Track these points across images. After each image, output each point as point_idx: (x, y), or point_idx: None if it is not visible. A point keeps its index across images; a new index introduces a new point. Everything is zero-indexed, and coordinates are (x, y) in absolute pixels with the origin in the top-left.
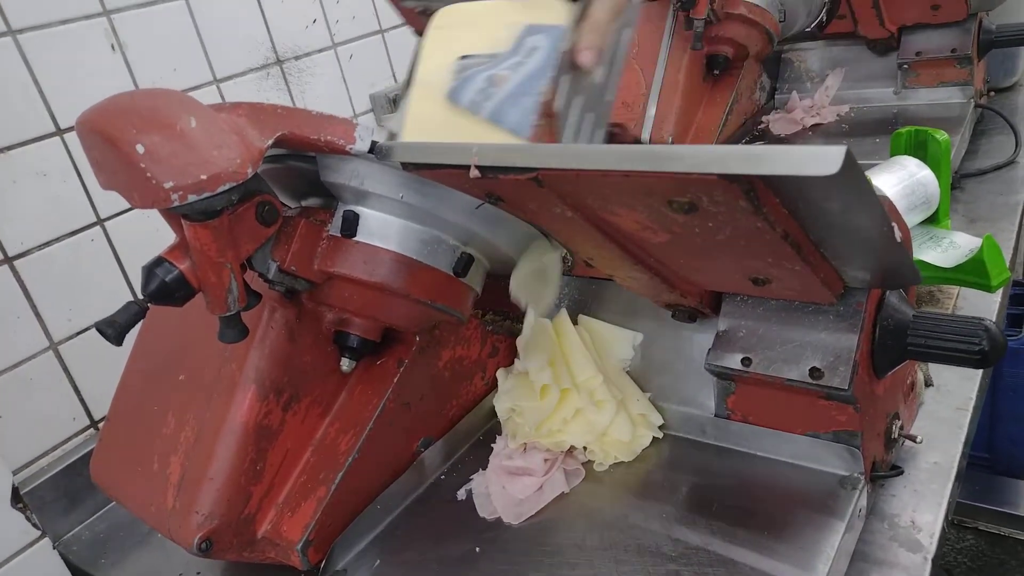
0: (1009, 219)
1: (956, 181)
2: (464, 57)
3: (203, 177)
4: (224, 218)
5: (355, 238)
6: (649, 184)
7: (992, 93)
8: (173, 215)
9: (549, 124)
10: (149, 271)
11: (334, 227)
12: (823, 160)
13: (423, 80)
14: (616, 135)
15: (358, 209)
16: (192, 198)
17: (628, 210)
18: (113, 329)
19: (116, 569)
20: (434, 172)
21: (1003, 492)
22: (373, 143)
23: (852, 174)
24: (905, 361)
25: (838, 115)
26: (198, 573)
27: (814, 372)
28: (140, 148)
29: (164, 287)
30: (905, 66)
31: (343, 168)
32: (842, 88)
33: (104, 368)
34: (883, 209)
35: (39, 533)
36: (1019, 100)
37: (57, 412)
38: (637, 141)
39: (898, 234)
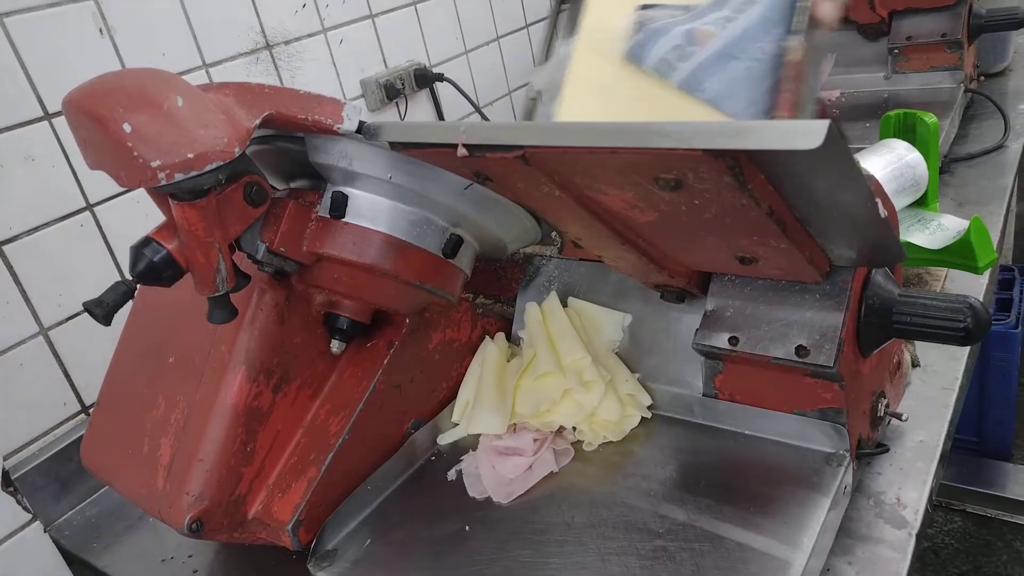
0: (997, 202)
1: (946, 165)
2: (646, 6)
3: (190, 156)
4: (212, 198)
5: (344, 219)
6: (636, 161)
7: (982, 78)
8: (160, 194)
9: (796, 90)
10: (137, 251)
11: (323, 208)
12: (806, 133)
13: (592, 29)
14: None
15: (347, 190)
16: (179, 177)
17: (615, 188)
18: (101, 309)
19: (108, 553)
20: (422, 152)
21: (991, 474)
22: (361, 123)
23: (835, 148)
24: (891, 339)
25: (829, 100)
26: (190, 555)
27: (800, 350)
28: (127, 127)
29: (152, 267)
30: (896, 51)
31: (331, 149)
32: (833, 73)
33: (95, 353)
34: (867, 184)
35: (30, 516)
36: (1009, 85)
37: (48, 397)
38: None
39: (882, 210)
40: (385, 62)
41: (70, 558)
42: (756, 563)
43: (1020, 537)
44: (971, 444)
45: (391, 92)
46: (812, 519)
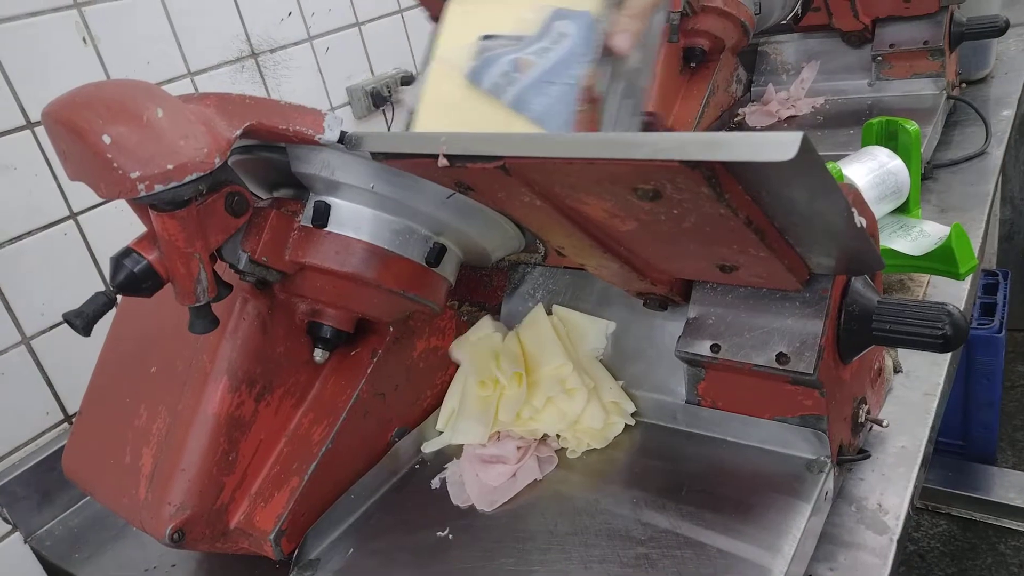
0: (979, 208)
1: (928, 171)
2: (486, 37)
3: (170, 167)
4: (192, 208)
5: (327, 228)
6: (614, 171)
7: (964, 85)
8: (141, 205)
9: (592, 110)
10: (117, 262)
11: (305, 217)
12: (780, 146)
13: (443, 57)
14: (651, 124)
15: (329, 200)
16: (159, 188)
17: (595, 198)
18: (81, 319)
19: (90, 564)
20: (404, 161)
21: (976, 478)
22: (342, 133)
23: (809, 160)
24: (870, 346)
25: (813, 107)
26: (173, 565)
27: (780, 357)
28: (107, 138)
29: (132, 278)
30: (879, 58)
31: (313, 159)
32: (817, 80)
33: (78, 362)
34: (842, 194)
35: (10, 527)
36: (991, 92)
37: (30, 407)
38: (669, 130)
39: (858, 220)
40: (372, 69)
41: (51, 569)
42: (737, 570)
43: (1004, 540)
44: (956, 448)
45: (378, 99)
46: (793, 525)
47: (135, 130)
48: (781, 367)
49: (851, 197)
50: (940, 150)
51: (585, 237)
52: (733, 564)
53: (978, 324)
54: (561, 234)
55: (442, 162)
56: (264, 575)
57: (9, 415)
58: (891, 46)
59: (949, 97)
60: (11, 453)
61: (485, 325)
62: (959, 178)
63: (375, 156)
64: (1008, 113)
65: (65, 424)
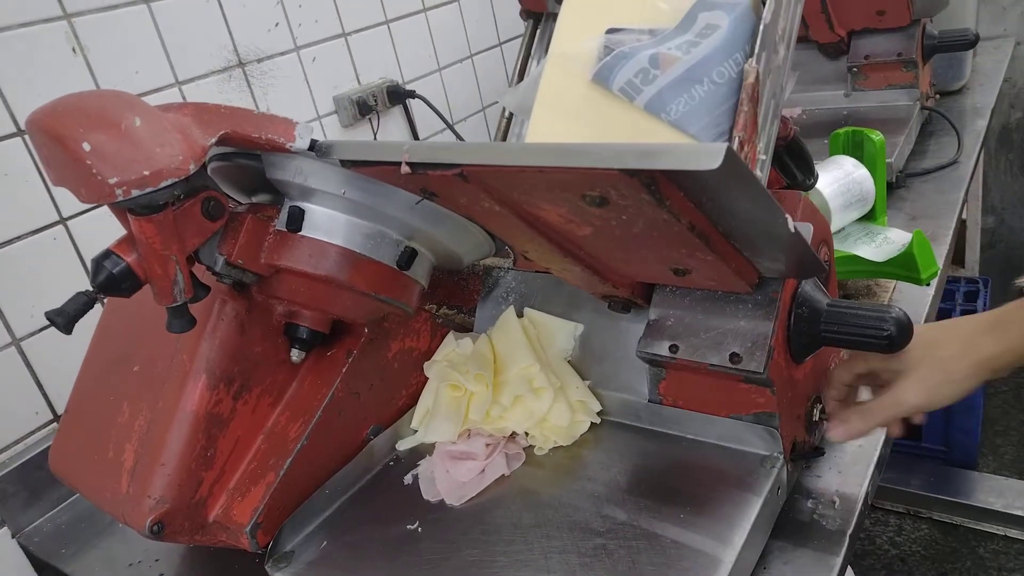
0: (948, 216)
1: (901, 180)
2: (613, 30)
3: (146, 173)
4: (168, 212)
5: (300, 232)
6: (562, 179)
7: (938, 96)
8: (120, 210)
9: (754, 111)
10: (97, 263)
11: (280, 222)
12: (706, 156)
13: (561, 52)
14: (779, 127)
15: (304, 205)
16: (135, 193)
17: (549, 204)
18: (62, 318)
19: (76, 559)
20: (371, 169)
21: (957, 483)
22: (313, 141)
23: (735, 169)
24: (821, 347)
25: (791, 117)
26: (156, 559)
27: (734, 357)
28: (86, 146)
29: (111, 278)
30: (854, 69)
31: (287, 166)
32: (795, 91)
33: (67, 363)
34: (773, 201)
35: None
36: (966, 102)
37: (20, 407)
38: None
39: (792, 225)
40: (358, 79)
41: (39, 565)
42: (689, 559)
43: (984, 544)
44: (939, 453)
45: (364, 109)
46: (744, 518)
47: (113, 138)
48: (734, 366)
49: (799, 204)
50: (914, 159)
51: (546, 242)
52: (685, 554)
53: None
54: (523, 239)
55: (404, 169)
56: (243, 568)
57: (0, 415)
58: (866, 57)
59: (923, 108)
60: (1, 452)
61: (448, 343)
62: (931, 187)
63: (344, 163)
64: (983, 123)
65: (54, 424)
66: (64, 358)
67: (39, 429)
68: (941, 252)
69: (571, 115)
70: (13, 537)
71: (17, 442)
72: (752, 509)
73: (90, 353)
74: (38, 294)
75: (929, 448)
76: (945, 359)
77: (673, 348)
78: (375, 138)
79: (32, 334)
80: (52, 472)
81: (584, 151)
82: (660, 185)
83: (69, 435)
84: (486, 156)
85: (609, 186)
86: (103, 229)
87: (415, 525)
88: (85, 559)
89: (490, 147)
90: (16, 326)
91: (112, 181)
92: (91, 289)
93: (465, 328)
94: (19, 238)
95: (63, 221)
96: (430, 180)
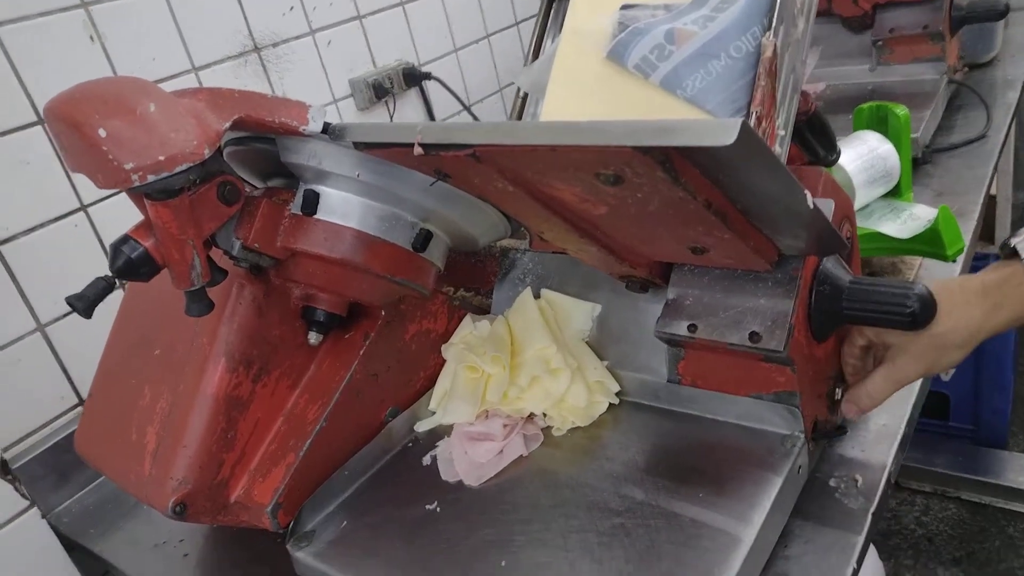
0: (976, 192)
1: (927, 155)
2: (628, 6)
3: (161, 158)
4: (184, 197)
5: (316, 216)
6: (575, 158)
7: (967, 69)
8: (137, 195)
9: (771, 85)
10: (116, 248)
11: (295, 206)
12: (721, 131)
13: (575, 29)
14: (800, 102)
15: (318, 188)
16: (151, 178)
17: (563, 183)
18: (82, 303)
19: (104, 539)
20: (384, 151)
21: (986, 462)
22: (326, 124)
23: (751, 145)
24: (842, 325)
25: (814, 93)
26: (181, 540)
27: (753, 336)
28: (102, 132)
29: (130, 263)
30: (879, 43)
31: (302, 149)
32: (819, 66)
33: (91, 348)
34: (791, 176)
35: (28, 503)
36: (997, 75)
37: (46, 391)
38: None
39: (811, 201)
40: (374, 62)
41: (69, 544)
42: (708, 538)
43: (1013, 523)
44: (967, 432)
45: (380, 91)
46: (764, 497)
47: (129, 124)
48: (754, 345)
49: (820, 181)
50: (941, 134)
51: (561, 222)
52: (704, 532)
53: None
54: (538, 219)
55: (417, 150)
56: (265, 548)
57: (27, 399)
58: (891, 31)
59: (951, 81)
60: (29, 435)
61: (466, 325)
62: (959, 162)
63: (357, 146)
64: (1014, 95)
65: (79, 408)
66: (88, 343)
67: (65, 413)
68: (968, 228)
69: (586, 93)
70: (43, 517)
71: (44, 426)
72: (772, 488)
73: (112, 337)
74: (61, 280)
75: (957, 427)
76: (939, 335)
77: (692, 327)
78: (391, 121)
79: (56, 320)
80: (78, 454)
81: (597, 129)
82: (675, 162)
83: (93, 418)
84: (498, 136)
85: (623, 164)
86: (123, 215)
87: (434, 505)
88: (112, 539)
89: (502, 127)
90: (40, 312)
91: (128, 167)
92: (110, 274)
93: (482, 310)
94: (41, 225)
95: (84, 208)
96: (443, 161)
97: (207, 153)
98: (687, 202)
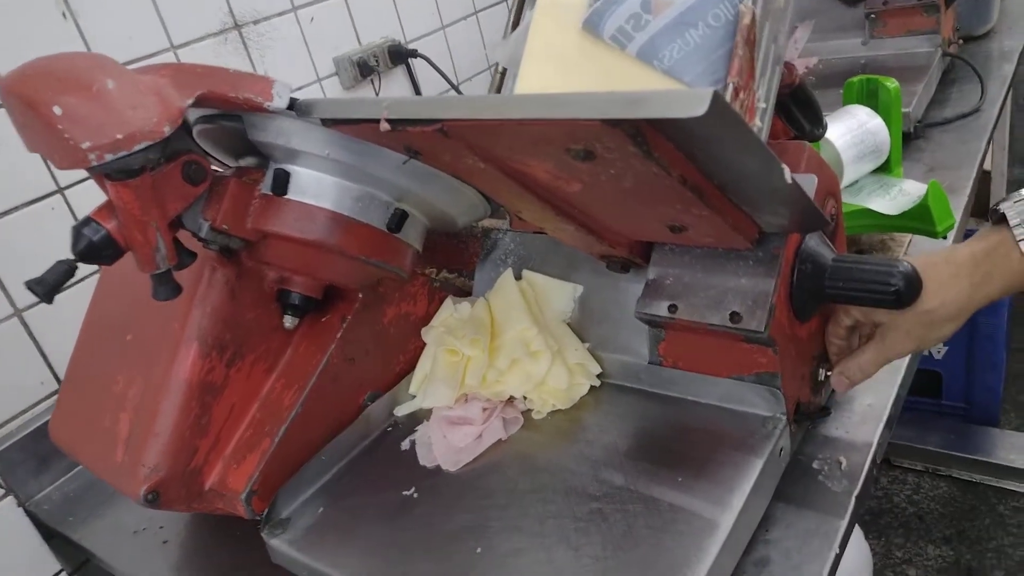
0: (968, 167)
1: (920, 130)
2: None
3: (119, 136)
4: (146, 177)
5: (287, 196)
6: (544, 132)
7: (961, 41)
8: (98, 175)
9: (750, 54)
10: (77, 231)
11: (266, 185)
12: (691, 102)
13: (550, 1)
14: (784, 74)
15: (289, 167)
16: (109, 157)
17: (534, 159)
18: (42, 287)
19: (84, 526)
20: (352, 127)
21: (978, 440)
22: (292, 100)
23: (724, 116)
24: (826, 304)
25: (807, 67)
26: (161, 527)
27: (734, 316)
28: (57, 110)
29: (91, 246)
30: (872, 16)
31: (269, 126)
32: (811, 40)
33: (71, 333)
34: (767, 150)
35: (3, 491)
36: (993, 47)
37: (24, 377)
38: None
39: (788, 176)
40: (359, 39)
41: (48, 532)
42: (685, 522)
43: (1004, 501)
44: (959, 410)
45: (365, 70)
46: (743, 480)
47: (85, 101)
48: (734, 326)
49: (803, 155)
50: (935, 108)
51: (536, 200)
52: (682, 517)
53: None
54: (513, 197)
55: (384, 126)
56: (245, 534)
57: (5, 385)
58: (885, 3)
59: (945, 54)
60: (8, 422)
61: (446, 308)
62: (952, 136)
63: (324, 122)
64: (1010, 68)
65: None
66: (66, 328)
67: (44, 400)
68: (960, 203)
69: (562, 66)
70: (20, 505)
71: (23, 412)
72: (752, 471)
73: (86, 322)
74: (38, 264)
75: (949, 405)
76: (927, 311)
77: (672, 308)
78: None
79: (34, 305)
80: (52, 441)
81: (564, 101)
82: (647, 136)
83: (67, 405)
84: (464, 110)
85: (593, 138)
86: (101, 197)
87: (411, 491)
88: (92, 526)
89: (469, 100)
90: (17, 297)
91: (85, 146)
92: (71, 257)
93: (464, 291)
94: (16, 208)
95: (61, 191)
96: (411, 137)
97: (168, 131)
98: (661, 178)
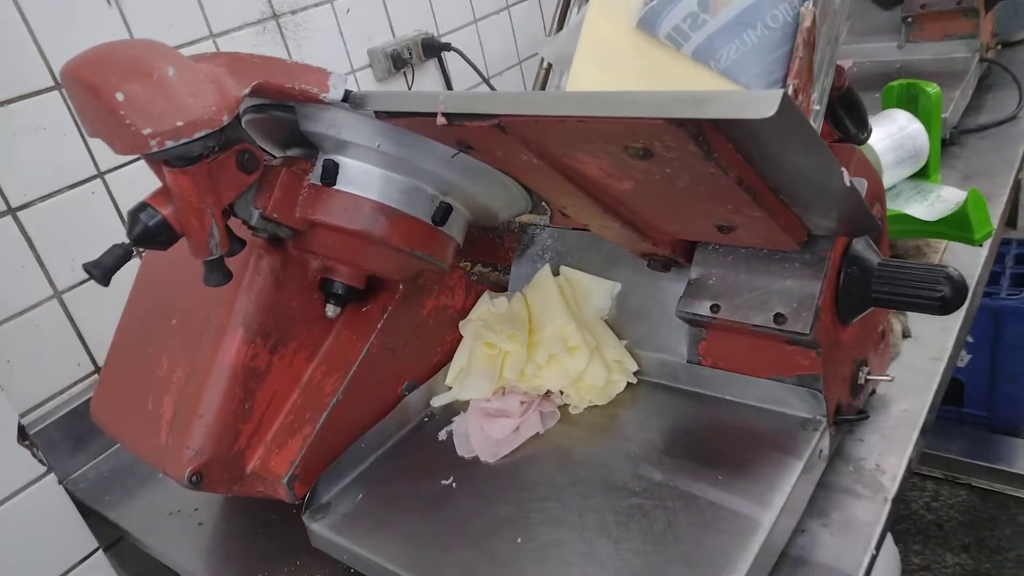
0: (1005, 174)
1: (955, 137)
2: None
3: (179, 124)
4: (203, 165)
5: (335, 187)
6: (605, 130)
7: (1000, 47)
8: (155, 161)
9: (810, 57)
10: (133, 216)
11: (315, 176)
12: (760, 103)
13: None
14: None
15: (338, 158)
16: (169, 144)
17: (590, 156)
18: (99, 270)
19: (119, 505)
20: (406, 120)
21: (998, 449)
22: (347, 91)
23: (791, 117)
24: (870, 308)
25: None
26: (196, 509)
27: (778, 318)
28: (120, 96)
29: (147, 231)
30: (909, 19)
31: (321, 117)
32: (846, 42)
33: (108, 316)
34: (829, 153)
35: (45, 468)
36: None
37: (62, 358)
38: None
39: (847, 179)
40: (392, 31)
41: (84, 510)
42: (727, 520)
43: None
44: (981, 419)
45: (398, 62)
46: (784, 480)
47: (147, 88)
48: (778, 327)
49: (852, 159)
50: (970, 115)
51: (585, 196)
52: (723, 515)
53: (1008, 294)
54: (562, 193)
55: (440, 120)
56: (280, 518)
57: (44, 366)
58: (922, 6)
59: (982, 60)
60: (46, 401)
61: (484, 302)
62: (988, 144)
63: (378, 115)
64: None
65: (96, 375)
66: (104, 310)
67: (82, 380)
68: (995, 212)
69: (614, 64)
70: (59, 483)
71: (61, 392)
72: (792, 472)
73: (129, 306)
74: (78, 247)
75: (971, 413)
76: None
77: (714, 308)
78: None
79: (73, 287)
80: (94, 421)
81: (628, 99)
82: (708, 136)
83: (109, 386)
84: (525, 106)
85: (654, 137)
86: (140, 182)
87: (450, 481)
88: (128, 506)
89: (529, 96)
90: (57, 279)
91: (146, 132)
92: (127, 242)
93: (500, 286)
94: (58, 192)
95: (101, 175)
96: (467, 132)
97: (226, 120)
98: (718, 178)
